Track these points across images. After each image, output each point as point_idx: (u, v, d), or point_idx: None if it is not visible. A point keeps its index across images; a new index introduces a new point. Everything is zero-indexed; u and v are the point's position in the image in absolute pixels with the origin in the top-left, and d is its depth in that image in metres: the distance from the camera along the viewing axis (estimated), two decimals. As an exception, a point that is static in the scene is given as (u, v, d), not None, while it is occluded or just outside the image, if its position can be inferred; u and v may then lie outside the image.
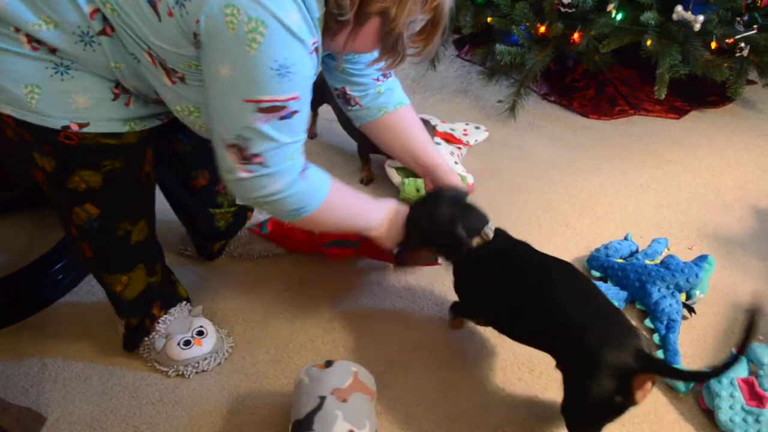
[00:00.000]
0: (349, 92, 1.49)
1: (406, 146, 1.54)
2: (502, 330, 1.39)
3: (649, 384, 1.13)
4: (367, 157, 2.13)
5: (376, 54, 1.26)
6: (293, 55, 1.03)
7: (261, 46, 1.00)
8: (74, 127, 1.15)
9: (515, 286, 1.30)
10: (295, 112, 1.10)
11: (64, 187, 1.23)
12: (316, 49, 1.10)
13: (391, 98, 1.51)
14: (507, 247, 1.37)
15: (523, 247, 1.37)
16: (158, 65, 1.11)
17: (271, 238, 1.77)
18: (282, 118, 1.09)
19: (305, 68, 1.07)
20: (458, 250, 1.36)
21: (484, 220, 1.37)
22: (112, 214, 1.30)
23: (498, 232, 1.38)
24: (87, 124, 1.16)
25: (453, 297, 1.50)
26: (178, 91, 1.15)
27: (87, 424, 1.38)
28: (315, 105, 2.28)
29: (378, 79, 1.48)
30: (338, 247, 1.69)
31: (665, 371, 1.22)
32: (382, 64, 1.26)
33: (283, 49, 1.02)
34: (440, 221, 1.35)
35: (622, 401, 1.12)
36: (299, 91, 1.08)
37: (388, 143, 1.56)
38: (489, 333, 1.57)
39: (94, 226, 1.29)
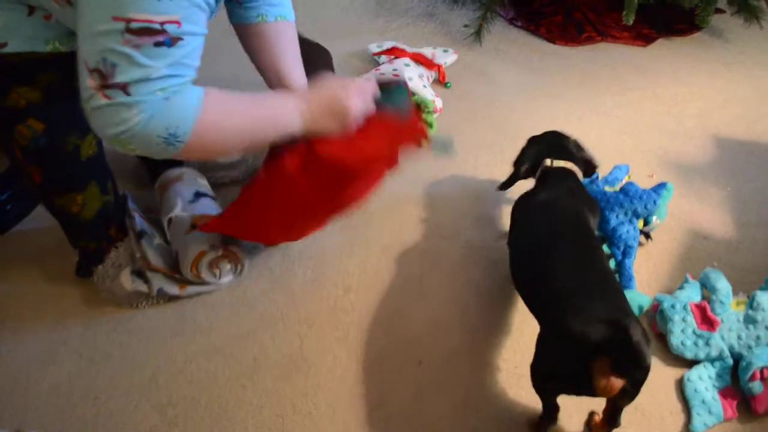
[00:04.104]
0: None
1: (273, 62, 1.40)
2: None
3: (617, 380, 1.00)
4: None
5: None
6: None
7: None
8: None
9: (525, 236, 1.28)
10: (177, 39, 0.95)
11: (2, 106, 1.17)
12: None
13: (273, 9, 1.38)
14: (547, 187, 1.35)
15: (559, 194, 1.32)
16: None
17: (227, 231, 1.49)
18: (158, 44, 0.93)
19: None
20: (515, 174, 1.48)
21: (543, 153, 1.43)
22: (58, 127, 1.24)
23: (553, 170, 1.39)
24: (5, 44, 1.08)
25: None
26: (67, 17, 1.05)
27: (39, 356, 1.36)
28: None
29: None
30: None
31: (632, 368, 1.01)
32: None
33: None
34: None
35: (575, 380, 1.03)
36: (182, 14, 0.94)
37: (255, 53, 1.42)
38: (449, 263, 1.58)
39: (41, 143, 1.22)
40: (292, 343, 1.38)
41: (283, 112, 1.18)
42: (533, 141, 1.53)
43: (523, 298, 1.27)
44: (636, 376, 1.02)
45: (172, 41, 0.94)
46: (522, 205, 1.39)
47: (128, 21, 0.90)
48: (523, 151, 1.52)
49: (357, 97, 1.24)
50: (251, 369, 1.34)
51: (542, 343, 1.14)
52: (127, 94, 0.95)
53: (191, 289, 1.46)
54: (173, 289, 1.44)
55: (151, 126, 0.98)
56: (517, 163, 1.50)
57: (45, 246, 1.58)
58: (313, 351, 1.37)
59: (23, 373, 1.33)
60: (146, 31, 0.92)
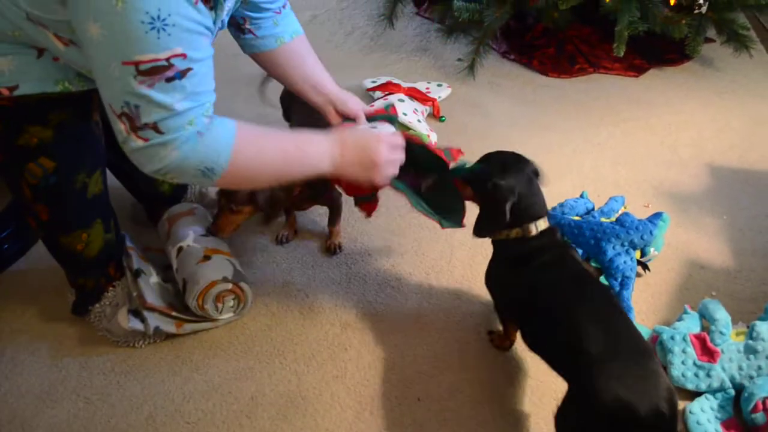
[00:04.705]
0: (246, 24, 1.38)
1: (306, 76, 1.45)
2: (523, 337, 1.29)
3: None
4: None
5: None
6: (167, 5, 0.91)
7: None
8: (5, 92, 1.10)
9: (542, 301, 1.20)
10: (187, 71, 0.97)
11: (14, 145, 1.19)
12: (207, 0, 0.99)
13: (287, 28, 1.41)
14: (548, 251, 1.24)
15: (565, 257, 1.25)
16: (45, 29, 1.04)
17: None
18: (169, 79, 0.96)
19: (185, 20, 0.95)
20: (495, 223, 1.27)
21: (535, 214, 1.25)
22: (68, 165, 1.26)
23: (546, 232, 1.26)
24: (16, 87, 1.11)
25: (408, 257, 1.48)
26: (74, 56, 1.08)
27: (36, 397, 1.35)
28: None
29: (278, 11, 1.39)
30: (367, 202, 1.49)
31: None
32: None
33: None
34: (505, 183, 1.23)
35: None
36: (183, 47, 0.95)
37: (285, 74, 1.46)
38: (446, 297, 1.57)
39: (51, 181, 1.25)
40: (290, 381, 1.37)
41: (315, 153, 1.20)
42: (503, 170, 1.27)
43: (550, 363, 1.21)
44: None
45: (182, 74, 0.97)
46: (528, 270, 1.25)
47: (136, 64, 0.93)
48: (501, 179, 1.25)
49: (389, 152, 1.23)
50: (249, 408, 1.32)
51: (573, 412, 1.10)
52: (159, 132, 0.99)
53: (188, 327, 1.45)
54: (170, 328, 1.43)
55: (187, 162, 1.04)
56: (501, 196, 1.24)
57: (41, 285, 1.58)
58: (311, 389, 1.36)
59: (21, 414, 1.31)
60: (155, 70, 0.94)
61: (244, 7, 1.33)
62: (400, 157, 1.27)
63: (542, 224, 1.26)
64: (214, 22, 1.03)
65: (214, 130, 1.06)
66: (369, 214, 1.52)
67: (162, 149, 1.01)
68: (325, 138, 1.22)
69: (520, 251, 1.26)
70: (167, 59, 0.94)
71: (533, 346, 1.25)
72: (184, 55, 0.96)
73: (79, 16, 0.93)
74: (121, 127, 1.00)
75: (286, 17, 1.41)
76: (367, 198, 1.45)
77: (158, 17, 0.91)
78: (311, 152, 1.20)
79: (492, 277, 1.36)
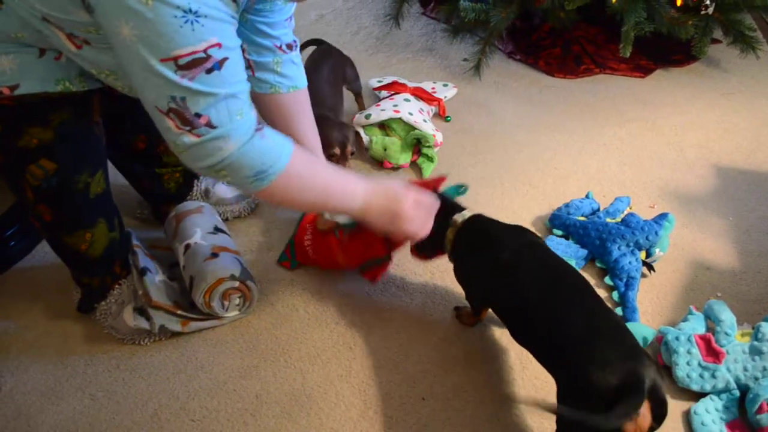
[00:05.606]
0: (245, 54, 1.36)
1: (287, 128, 1.39)
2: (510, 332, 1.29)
3: (644, 418, 0.99)
4: None
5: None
6: None
7: None
8: (6, 91, 1.10)
9: (513, 288, 1.22)
10: (223, 60, 0.97)
11: (14, 147, 1.19)
12: None
13: (286, 79, 1.40)
14: (506, 235, 1.28)
15: (525, 242, 1.27)
16: (59, 31, 1.04)
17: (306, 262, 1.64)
18: (209, 71, 0.96)
19: (215, 10, 0.95)
20: (430, 245, 1.37)
21: (453, 210, 1.33)
22: (69, 166, 1.26)
23: (477, 216, 1.33)
24: (17, 86, 1.11)
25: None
26: (87, 56, 1.08)
27: (42, 394, 1.35)
28: None
29: (281, 48, 1.37)
30: (376, 267, 1.52)
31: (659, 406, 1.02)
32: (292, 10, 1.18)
33: None
34: None
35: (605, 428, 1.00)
36: (217, 36, 0.96)
37: (268, 118, 1.43)
38: (451, 296, 1.57)
39: (53, 183, 1.25)
40: (294, 380, 1.38)
41: (353, 191, 1.23)
42: None
43: (535, 355, 1.21)
44: (661, 413, 1.02)
45: (219, 64, 0.97)
46: (490, 258, 1.27)
47: (175, 59, 0.93)
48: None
49: (413, 208, 1.26)
50: (253, 406, 1.33)
51: (563, 400, 1.09)
52: (212, 127, 1.00)
53: (193, 326, 1.46)
54: (175, 326, 1.43)
55: (245, 158, 1.05)
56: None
57: (47, 283, 1.58)
58: (316, 387, 1.36)
59: (26, 411, 1.32)
60: (194, 63, 0.95)
61: (247, 28, 1.32)
62: (427, 221, 1.30)
63: (467, 213, 1.33)
64: (236, 12, 1.03)
65: (272, 135, 1.09)
66: (374, 279, 1.55)
67: (220, 142, 1.02)
68: (361, 180, 1.24)
69: (471, 241, 1.30)
70: (204, 50, 0.95)
71: (518, 339, 1.25)
72: (219, 45, 0.96)
73: (109, 20, 0.92)
74: (170, 125, 1.00)
75: (289, 65, 1.40)
76: (376, 262, 1.48)
77: (190, 10, 0.91)
78: (350, 188, 1.23)
79: (460, 274, 1.38)
